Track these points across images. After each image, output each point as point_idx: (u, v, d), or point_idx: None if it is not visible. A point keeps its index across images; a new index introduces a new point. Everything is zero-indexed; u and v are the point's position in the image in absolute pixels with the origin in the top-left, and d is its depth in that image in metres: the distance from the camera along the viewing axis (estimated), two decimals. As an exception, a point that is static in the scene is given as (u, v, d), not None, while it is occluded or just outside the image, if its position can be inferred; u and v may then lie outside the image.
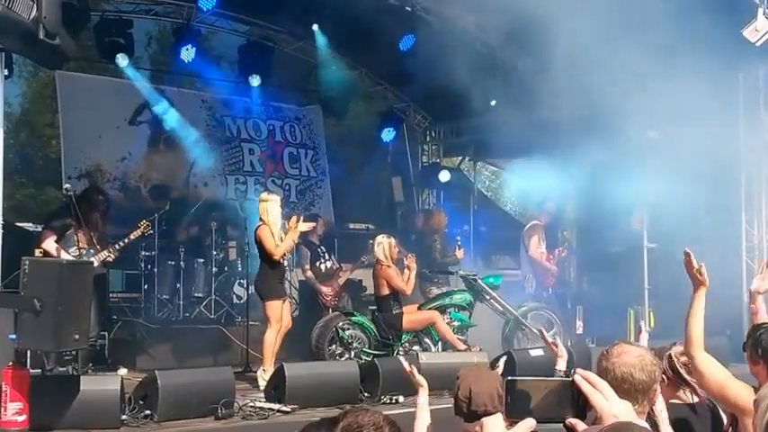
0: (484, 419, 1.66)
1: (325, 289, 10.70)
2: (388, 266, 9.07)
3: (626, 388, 2.51)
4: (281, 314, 8.29)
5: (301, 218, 8.48)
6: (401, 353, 8.82)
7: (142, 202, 11.90)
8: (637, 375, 2.57)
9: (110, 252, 8.36)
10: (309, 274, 10.84)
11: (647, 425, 1.98)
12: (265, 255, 8.27)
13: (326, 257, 11.02)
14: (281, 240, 8.27)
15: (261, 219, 8.34)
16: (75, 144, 12.17)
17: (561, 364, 4.40)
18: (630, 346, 2.73)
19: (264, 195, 8.74)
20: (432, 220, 11.16)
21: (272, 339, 8.12)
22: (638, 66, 9.82)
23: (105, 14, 11.46)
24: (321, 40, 12.44)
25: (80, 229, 8.06)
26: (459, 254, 10.50)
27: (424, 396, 4.26)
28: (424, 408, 4.15)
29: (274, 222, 8.30)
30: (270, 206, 8.35)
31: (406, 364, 4.61)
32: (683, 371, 3.90)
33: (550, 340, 4.73)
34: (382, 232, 9.73)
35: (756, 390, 3.35)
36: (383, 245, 9.11)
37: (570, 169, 14.13)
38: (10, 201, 8.15)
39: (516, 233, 12.53)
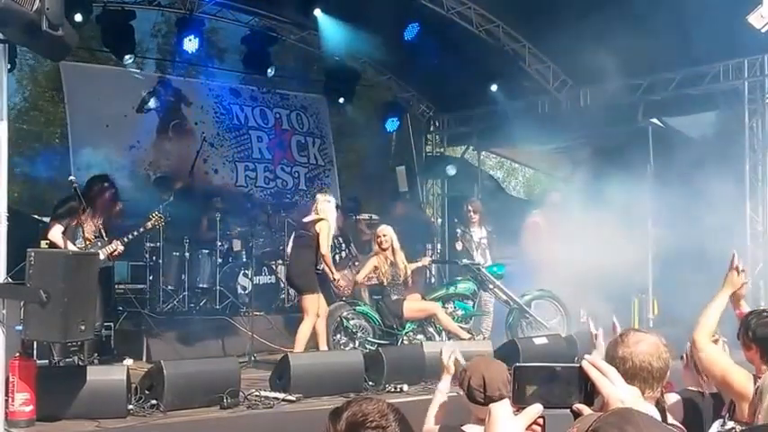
0: (491, 406, 1.67)
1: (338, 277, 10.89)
2: (376, 253, 9.29)
3: (644, 376, 2.55)
4: (318, 307, 8.59)
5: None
6: (405, 342, 8.87)
7: (151, 190, 11.86)
8: (655, 364, 2.60)
9: (118, 243, 8.26)
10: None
11: (654, 409, 1.99)
12: (316, 248, 8.64)
13: (342, 248, 11.38)
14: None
15: (318, 214, 8.74)
16: (82, 134, 12.15)
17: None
18: (643, 334, 2.76)
19: (327, 196, 9.22)
20: None
21: (308, 331, 8.41)
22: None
23: (108, 5, 11.44)
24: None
25: (88, 220, 8.02)
26: None
27: (446, 381, 4.30)
28: (443, 393, 4.22)
29: (332, 224, 8.88)
30: (329, 207, 8.90)
31: (446, 355, 4.43)
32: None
33: (594, 332, 4.50)
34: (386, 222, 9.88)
35: (755, 376, 3.40)
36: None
37: (575, 157, 14.10)
38: (13, 193, 8.12)
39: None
